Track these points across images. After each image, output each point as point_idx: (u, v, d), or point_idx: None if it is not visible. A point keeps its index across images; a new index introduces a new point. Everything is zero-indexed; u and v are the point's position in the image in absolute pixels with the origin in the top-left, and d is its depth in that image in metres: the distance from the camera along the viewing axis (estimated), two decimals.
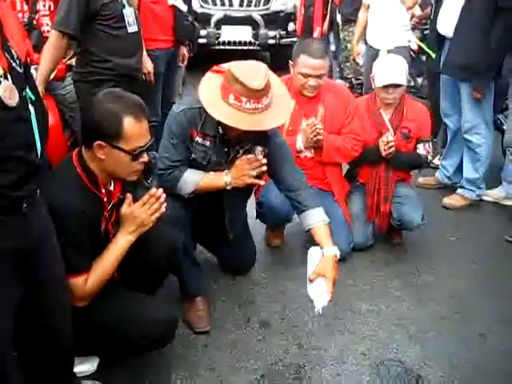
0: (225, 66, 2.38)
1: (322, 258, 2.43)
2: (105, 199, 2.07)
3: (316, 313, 2.43)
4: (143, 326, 2.10)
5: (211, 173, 2.55)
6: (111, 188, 2.12)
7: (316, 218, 2.56)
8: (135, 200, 2.14)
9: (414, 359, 2.53)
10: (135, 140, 1.98)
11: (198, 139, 2.52)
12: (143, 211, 2.10)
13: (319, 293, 2.40)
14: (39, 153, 1.61)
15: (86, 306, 2.05)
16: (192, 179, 2.53)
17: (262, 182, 2.63)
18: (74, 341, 2.02)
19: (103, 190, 2.06)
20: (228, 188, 2.54)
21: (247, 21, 7.49)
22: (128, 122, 1.94)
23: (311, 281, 2.44)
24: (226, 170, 2.54)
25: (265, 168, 2.50)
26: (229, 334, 2.67)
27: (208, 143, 2.53)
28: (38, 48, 3.21)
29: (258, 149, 2.58)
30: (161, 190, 2.13)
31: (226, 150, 2.56)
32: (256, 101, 2.27)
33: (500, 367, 2.51)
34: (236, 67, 2.29)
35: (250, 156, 2.52)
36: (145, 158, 2.05)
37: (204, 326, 2.67)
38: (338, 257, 2.48)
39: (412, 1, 4.83)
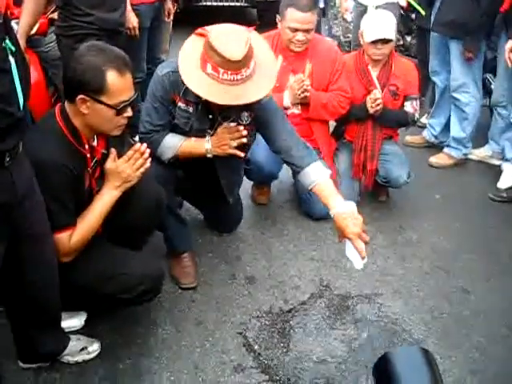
0: (209, 28, 2.26)
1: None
2: (88, 155, 2.05)
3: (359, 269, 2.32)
4: (129, 281, 2.11)
5: (193, 138, 2.49)
6: (94, 144, 2.09)
7: (314, 176, 2.39)
8: (120, 156, 2.13)
9: (397, 314, 2.58)
10: (119, 94, 1.94)
11: (181, 105, 2.44)
12: (128, 166, 2.09)
13: (354, 254, 2.23)
14: (20, 105, 1.58)
15: (71, 261, 2.04)
16: (172, 144, 2.47)
17: (241, 154, 2.51)
18: (61, 296, 2.04)
19: (86, 146, 2.03)
20: (209, 156, 2.49)
21: None
22: (111, 76, 1.91)
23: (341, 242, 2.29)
24: (207, 137, 2.48)
25: (245, 140, 2.44)
26: (215, 289, 2.70)
27: (191, 109, 2.45)
28: (19, 2, 3.12)
29: (244, 114, 2.51)
30: (145, 145, 2.11)
31: (210, 116, 2.48)
32: (234, 72, 2.15)
33: (482, 321, 2.57)
34: (215, 35, 2.17)
35: (231, 125, 2.46)
36: (129, 112, 2.02)
37: (191, 282, 2.69)
38: (354, 210, 2.26)
39: None
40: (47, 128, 2.00)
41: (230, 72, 2.15)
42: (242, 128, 2.45)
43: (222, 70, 2.15)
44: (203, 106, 2.42)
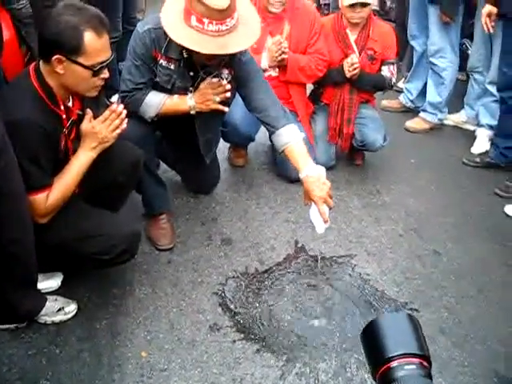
0: None
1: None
2: (63, 116, 2.03)
3: (319, 234, 2.39)
4: (106, 241, 2.12)
5: (175, 96, 2.48)
6: (70, 104, 2.07)
7: (287, 138, 2.41)
8: (95, 117, 2.11)
9: (370, 275, 2.63)
10: (96, 55, 1.92)
11: (163, 62, 2.42)
12: (104, 127, 2.08)
13: (317, 218, 2.28)
14: None
15: (47, 222, 2.04)
16: (155, 102, 2.46)
17: (226, 109, 2.53)
18: (37, 257, 2.04)
19: (62, 107, 2.01)
20: (192, 112, 2.49)
21: None
22: (88, 37, 1.88)
23: (308, 204, 2.33)
24: (190, 94, 2.47)
25: (228, 94, 2.44)
26: (191, 250, 2.72)
27: (172, 66, 2.43)
28: None
29: (225, 71, 2.50)
30: (121, 105, 2.10)
31: (191, 74, 2.47)
32: (219, 22, 2.14)
33: (452, 282, 2.64)
34: None
35: (213, 80, 2.45)
36: (105, 74, 2.00)
37: (167, 243, 2.71)
38: (322, 174, 2.31)
39: None
40: (21, 88, 1.97)
41: (215, 22, 2.14)
42: (225, 82, 2.44)
43: (206, 21, 2.13)
44: (185, 62, 2.42)
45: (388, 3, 6.38)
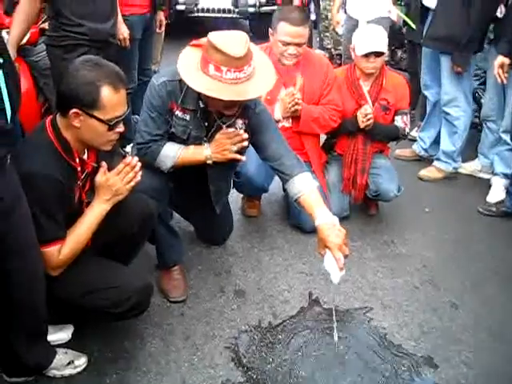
0: (204, 40, 2.27)
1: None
2: (78, 168, 2.04)
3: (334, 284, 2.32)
4: (118, 295, 2.09)
5: (191, 146, 2.49)
6: (85, 157, 2.09)
7: (301, 186, 2.39)
8: (110, 168, 2.12)
9: (387, 328, 2.57)
10: (112, 110, 1.94)
11: (178, 113, 2.44)
12: (118, 180, 2.08)
13: (332, 266, 2.21)
14: (9, 118, 1.57)
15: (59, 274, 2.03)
16: (171, 153, 2.47)
17: (243, 158, 2.55)
18: (48, 309, 2.02)
19: (77, 159, 2.03)
20: (209, 162, 2.50)
21: None
22: (106, 91, 1.91)
23: (322, 255, 2.27)
24: (206, 144, 2.48)
25: (246, 143, 2.46)
26: (204, 302, 2.68)
27: (188, 117, 2.45)
28: (10, 13, 3.11)
29: (239, 122, 2.52)
30: (136, 158, 2.11)
31: (206, 124, 2.49)
32: (237, 69, 2.15)
33: (470, 335, 2.57)
34: (215, 36, 2.19)
35: (230, 130, 2.47)
36: (121, 128, 2.02)
37: (180, 296, 2.68)
38: (336, 223, 2.27)
39: None
40: (38, 141, 1.99)
41: (233, 70, 2.15)
42: (242, 132, 2.45)
43: (225, 69, 2.14)
44: (201, 112, 2.44)
45: (399, 53, 6.48)
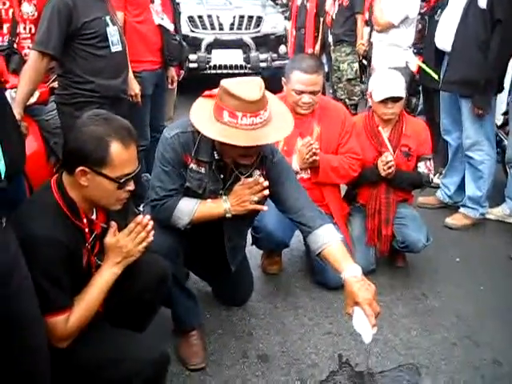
0: (216, 90, 2.19)
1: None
2: (86, 230, 1.91)
3: (367, 347, 2.19)
4: (132, 367, 1.91)
5: (208, 200, 2.38)
6: (93, 217, 1.96)
7: (324, 238, 2.26)
8: (122, 228, 1.98)
9: None
10: (122, 167, 1.83)
11: (193, 166, 2.35)
12: (129, 241, 1.95)
13: (363, 324, 2.05)
14: (2, 175, 1.46)
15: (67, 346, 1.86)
16: (188, 208, 2.34)
17: (265, 208, 2.41)
18: (55, 382, 1.84)
19: (84, 220, 1.90)
20: (228, 216, 2.37)
21: (238, 44, 7.44)
22: (115, 148, 1.80)
23: (350, 314, 2.10)
24: (224, 197, 2.37)
25: (267, 192, 2.33)
26: (225, 369, 2.51)
27: (203, 170, 2.35)
28: (18, 72, 3.08)
29: (256, 172, 2.41)
30: (148, 217, 1.98)
31: (222, 176, 2.39)
32: (253, 114, 2.07)
33: None
34: (228, 82, 2.11)
35: (250, 180, 2.36)
36: (131, 186, 1.90)
37: (199, 363, 2.51)
38: (360, 275, 2.11)
39: (382, 23, 4.80)
40: (41, 201, 1.87)
41: (248, 115, 2.06)
42: (262, 179, 2.33)
43: (240, 114, 2.06)
44: (216, 164, 2.34)
45: (414, 100, 6.41)
